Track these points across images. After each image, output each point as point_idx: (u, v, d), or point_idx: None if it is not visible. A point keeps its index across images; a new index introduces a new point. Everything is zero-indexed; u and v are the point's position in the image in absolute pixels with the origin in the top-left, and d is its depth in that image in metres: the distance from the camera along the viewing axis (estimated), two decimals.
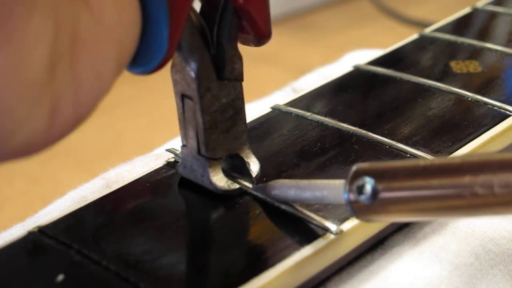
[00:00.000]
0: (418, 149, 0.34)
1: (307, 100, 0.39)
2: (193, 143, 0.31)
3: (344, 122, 0.37)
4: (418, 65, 0.44)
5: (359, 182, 0.26)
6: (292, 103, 0.39)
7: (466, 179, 0.24)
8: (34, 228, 0.30)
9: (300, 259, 0.28)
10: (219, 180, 0.31)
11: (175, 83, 0.31)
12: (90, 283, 0.27)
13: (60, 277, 0.27)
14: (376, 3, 0.86)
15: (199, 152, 0.31)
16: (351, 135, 0.36)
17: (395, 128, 0.37)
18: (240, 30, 0.30)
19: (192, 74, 0.30)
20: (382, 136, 0.36)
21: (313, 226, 0.30)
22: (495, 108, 0.38)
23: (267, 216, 0.30)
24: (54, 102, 0.23)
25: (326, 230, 0.29)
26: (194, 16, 0.29)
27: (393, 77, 0.42)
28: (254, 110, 0.38)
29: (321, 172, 0.33)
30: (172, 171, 0.33)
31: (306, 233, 0.29)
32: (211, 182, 0.31)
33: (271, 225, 0.30)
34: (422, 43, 0.47)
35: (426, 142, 0.35)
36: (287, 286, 0.28)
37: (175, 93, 0.31)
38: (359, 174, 0.26)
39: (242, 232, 0.31)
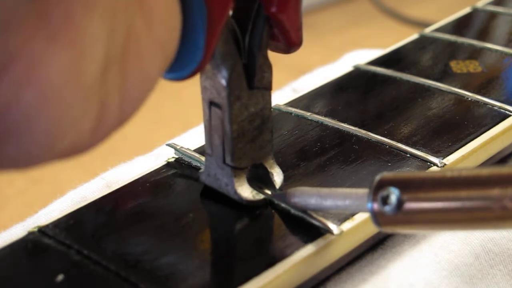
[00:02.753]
0: (418, 149, 0.34)
1: (307, 100, 0.39)
2: (218, 151, 0.30)
3: (344, 122, 0.37)
4: (418, 65, 0.44)
5: (383, 192, 0.25)
6: (292, 103, 0.39)
7: (495, 192, 0.24)
8: (34, 228, 0.30)
9: (300, 259, 0.28)
10: (244, 190, 0.30)
11: (204, 89, 0.30)
12: (90, 283, 0.27)
13: (60, 277, 0.27)
14: (376, 3, 0.86)
15: (224, 161, 0.30)
16: (351, 135, 0.36)
17: (395, 128, 0.37)
18: (270, 38, 0.30)
19: (223, 82, 0.29)
20: (382, 136, 0.36)
21: (313, 226, 0.30)
22: (495, 108, 0.38)
23: (267, 216, 0.30)
24: (102, 105, 0.23)
25: (327, 230, 0.29)
26: (229, 23, 0.29)
27: (393, 77, 0.42)
28: None
29: (321, 172, 0.33)
30: (172, 171, 0.33)
31: (306, 233, 0.29)
32: (235, 192, 0.30)
33: (271, 225, 0.30)
34: (422, 43, 0.47)
35: (426, 142, 0.35)
36: (287, 285, 0.28)
37: (203, 99, 0.30)
38: (383, 184, 0.25)
39: (242, 231, 0.31)
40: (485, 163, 0.37)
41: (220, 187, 0.31)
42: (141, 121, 0.88)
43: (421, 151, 0.34)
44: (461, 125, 0.37)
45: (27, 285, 0.27)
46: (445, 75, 0.42)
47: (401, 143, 0.35)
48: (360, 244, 0.31)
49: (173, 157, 0.34)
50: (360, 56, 0.49)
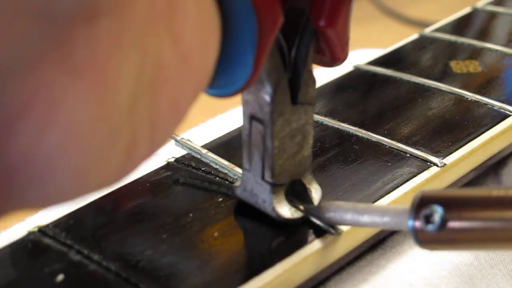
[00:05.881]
0: (418, 149, 0.34)
1: None
2: (257, 167, 0.29)
3: (344, 122, 0.37)
4: (418, 65, 0.44)
5: (426, 211, 0.24)
6: None
7: None
8: (34, 228, 0.30)
9: (300, 259, 0.28)
10: (283, 207, 0.29)
11: (246, 103, 0.29)
12: (90, 283, 0.27)
13: (60, 277, 0.27)
14: (376, 3, 0.86)
15: (263, 177, 0.29)
16: (351, 135, 0.36)
17: (395, 128, 0.37)
18: (315, 51, 0.28)
19: (267, 98, 0.28)
20: (382, 136, 0.36)
21: (313, 226, 0.30)
22: (495, 108, 0.38)
23: (267, 216, 0.30)
24: (131, 139, 0.21)
25: (327, 230, 0.29)
26: (276, 36, 0.27)
27: (393, 77, 0.42)
28: None
29: (321, 172, 0.33)
30: (172, 171, 0.33)
31: (307, 232, 0.29)
32: (273, 209, 0.29)
33: (271, 225, 0.30)
34: (422, 43, 0.47)
35: (426, 142, 0.35)
36: (287, 286, 0.28)
37: (244, 113, 0.29)
38: (425, 201, 0.25)
39: (242, 231, 0.31)
40: (485, 163, 0.37)
41: (257, 203, 0.30)
42: None
43: (421, 151, 0.34)
44: (461, 125, 0.37)
45: (27, 285, 0.27)
46: (445, 75, 0.42)
47: (401, 143, 0.35)
48: (360, 244, 0.31)
49: (173, 157, 0.34)
50: (360, 56, 0.49)
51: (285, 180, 0.29)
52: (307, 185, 0.30)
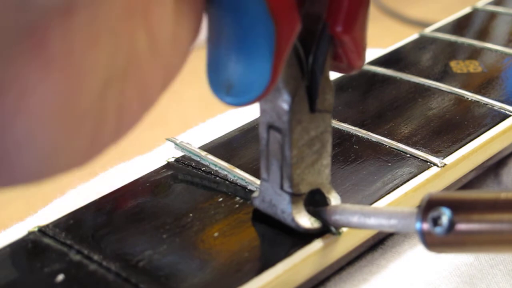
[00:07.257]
0: (418, 149, 0.34)
1: None
2: (276, 177, 0.29)
3: (344, 122, 0.37)
4: (418, 65, 0.44)
5: (434, 213, 0.24)
6: None
7: None
8: (34, 228, 0.30)
9: (300, 259, 0.28)
10: (302, 217, 0.29)
11: (263, 112, 0.28)
12: (90, 283, 0.27)
13: (60, 277, 0.27)
14: (376, 3, 0.86)
15: (281, 187, 0.29)
16: (351, 135, 0.36)
17: (395, 128, 0.37)
18: (332, 57, 0.28)
19: (285, 106, 0.28)
20: (382, 136, 0.36)
21: None
22: (495, 108, 0.38)
23: (267, 216, 0.30)
24: (98, 124, 0.21)
25: (326, 230, 0.29)
26: (294, 43, 0.26)
27: (393, 77, 0.42)
28: (254, 110, 0.38)
29: None
30: (172, 171, 0.33)
31: (306, 232, 0.29)
32: (293, 220, 0.29)
33: (270, 224, 0.30)
34: (422, 43, 0.47)
35: (426, 142, 0.35)
36: (287, 286, 0.28)
37: (261, 122, 0.29)
38: (433, 204, 0.24)
39: (242, 231, 0.31)
40: (485, 163, 0.37)
41: (275, 213, 0.30)
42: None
43: (421, 151, 0.34)
44: (461, 125, 0.37)
45: (27, 285, 0.27)
46: (445, 75, 0.42)
47: (401, 143, 0.35)
48: (360, 244, 0.31)
49: (173, 157, 0.35)
50: None
51: (304, 190, 0.29)
52: (326, 194, 0.30)
